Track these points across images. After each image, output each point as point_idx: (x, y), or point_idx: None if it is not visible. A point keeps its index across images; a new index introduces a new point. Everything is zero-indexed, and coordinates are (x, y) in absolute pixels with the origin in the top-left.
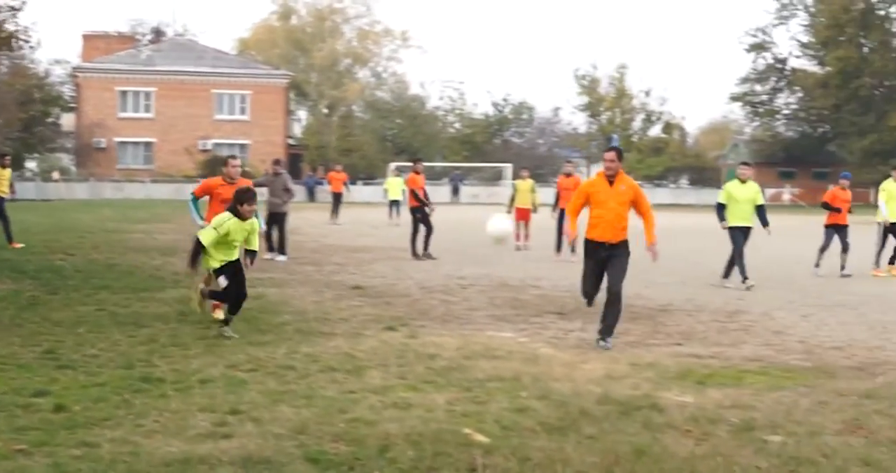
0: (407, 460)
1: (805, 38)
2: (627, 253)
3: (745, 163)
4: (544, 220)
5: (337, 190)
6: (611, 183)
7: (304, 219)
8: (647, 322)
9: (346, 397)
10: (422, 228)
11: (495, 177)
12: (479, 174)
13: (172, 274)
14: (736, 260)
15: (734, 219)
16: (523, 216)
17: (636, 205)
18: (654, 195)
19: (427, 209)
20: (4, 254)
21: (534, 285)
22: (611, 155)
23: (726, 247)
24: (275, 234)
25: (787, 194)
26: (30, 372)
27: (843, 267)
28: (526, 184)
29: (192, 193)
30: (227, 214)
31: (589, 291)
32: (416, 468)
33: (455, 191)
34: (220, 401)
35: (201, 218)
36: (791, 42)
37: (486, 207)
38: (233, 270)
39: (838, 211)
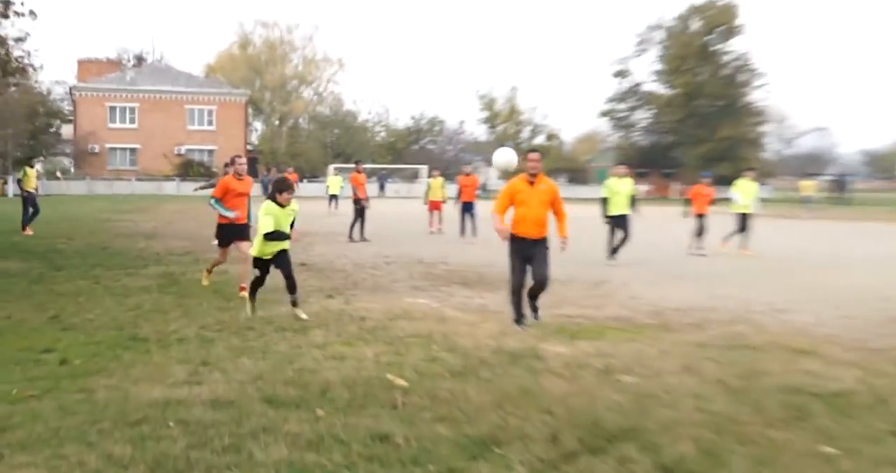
0: (342, 399)
1: (657, 67)
2: (548, 247)
3: (622, 164)
4: (451, 211)
5: None
6: (531, 183)
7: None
8: None
9: (295, 351)
10: (359, 218)
11: (413, 176)
12: (400, 173)
13: (154, 254)
14: (618, 242)
15: (615, 209)
16: (436, 207)
17: (553, 203)
18: None
19: (364, 203)
20: (17, 239)
21: (443, 262)
22: (535, 155)
23: (597, 232)
24: None
25: (641, 189)
26: (39, 334)
27: (699, 248)
28: (437, 181)
29: (213, 196)
30: (268, 204)
31: (518, 284)
32: (349, 406)
33: (381, 188)
34: (193, 355)
35: (227, 210)
36: (646, 70)
37: (407, 200)
38: (284, 258)
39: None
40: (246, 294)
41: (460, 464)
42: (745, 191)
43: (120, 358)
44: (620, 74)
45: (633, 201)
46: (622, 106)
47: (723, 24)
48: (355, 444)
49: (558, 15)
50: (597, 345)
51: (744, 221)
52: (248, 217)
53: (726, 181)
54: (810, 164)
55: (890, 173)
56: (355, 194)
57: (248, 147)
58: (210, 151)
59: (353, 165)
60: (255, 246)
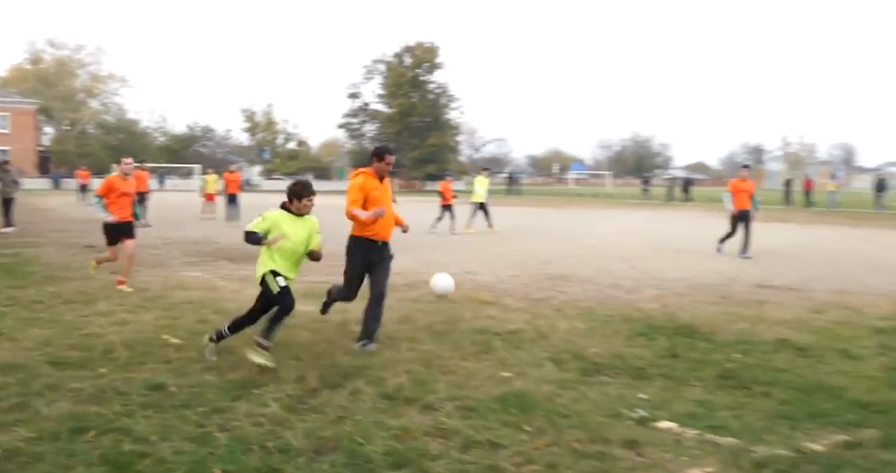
0: (123, 358)
1: (380, 91)
2: (392, 255)
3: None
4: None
5: (84, 180)
6: (381, 180)
7: (55, 201)
8: None
9: (81, 319)
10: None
11: (188, 173)
12: (178, 171)
13: None
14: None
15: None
16: (210, 198)
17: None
18: None
19: (146, 195)
20: None
21: (214, 242)
22: (392, 158)
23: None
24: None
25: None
26: None
27: (452, 229)
28: (212, 177)
29: (96, 194)
30: (276, 210)
31: (350, 297)
32: (129, 363)
33: (161, 182)
34: None
35: (106, 212)
36: (372, 93)
37: (183, 193)
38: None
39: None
40: (125, 288)
41: (224, 404)
42: (481, 185)
43: None
44: (353, 96)
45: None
46: (355, 120)
47: (428, 61)
48: (134, 395)
49: (309, 45)
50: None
51: (482, 207)
52: (136, 215)
53: (435, 178)
54: (493, 166)
55: (548, 172)
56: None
57: (40, 148)
58: (5, 151)
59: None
60: (262, 263)
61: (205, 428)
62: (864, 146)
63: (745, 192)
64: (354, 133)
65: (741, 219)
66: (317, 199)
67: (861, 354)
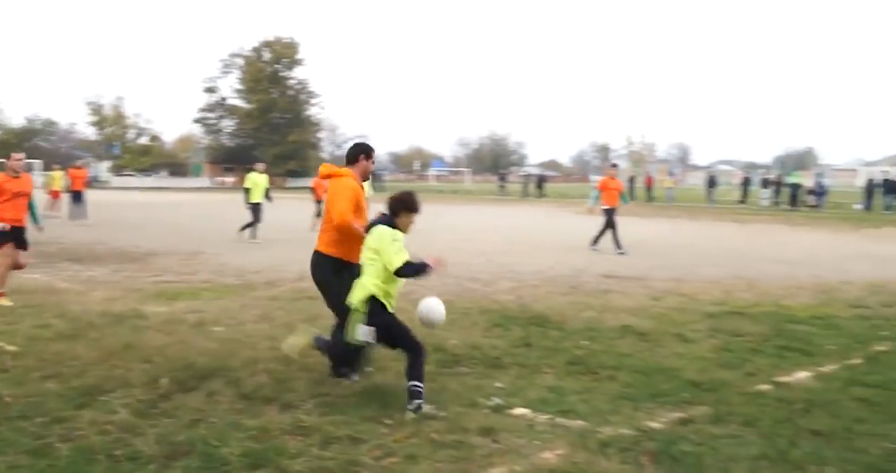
0: None
1: (238, 86)
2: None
3: (261, 163)
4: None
5: None
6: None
7: None
8: (138, 262)
9: None
10: None
11: (28, 170)
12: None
13: None
14: (254, 224)
15: (256, 198)
16: (56, 196)
17: None
18: (144, 182)
19: None
20: None
21: (57, 242)
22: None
23: (196, 212)
24: None
25: (228, 180)
26: None
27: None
28: (57, 174)
29: None
30: (391, 230)
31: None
32: None
33: None
34: None
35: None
36: (230, 88)
37: None
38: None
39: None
40: (5, 301)
41: (67, 413)
42: (258, 184)
43: None
44: (210, 90)
45: (268, 192)
46: (212, 115)
47: (288, 56)
48: None
49: (162, 37)
50: (191, 304)
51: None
52: (35, 218)
53: (296, 174)
54: None
55: (409, 169)
56: None
57: None
58: None
59: None
60: (363, 288)
61: (45, 440)
62: (697, 146)
63: (615, 190)
64: (211, 128)
65: (610, 215)
66: (176, 197)
67: (694, 337)
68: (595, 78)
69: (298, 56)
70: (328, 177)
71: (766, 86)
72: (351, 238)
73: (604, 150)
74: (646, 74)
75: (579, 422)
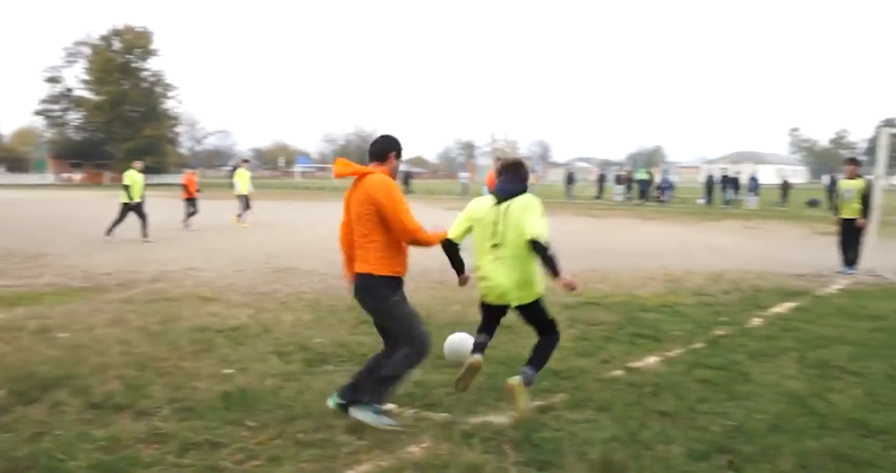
0: None
1: (85, 76)
2: None
3: (138, 161)
4: None
5: None
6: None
7: None
8: None
9: None
10: None
11: None
12: None
13: None
14: (116, 221)
15: (136, 196)
16: None
17: None
18: None
19: None
20: None
21: None
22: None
23: (46, 214)
24: None
25: (75, 177)
26: None
27: (188, 225)
28: None
29: None
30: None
31: (429, 344)
32: None
33: None
34: None
35: None
36: (76, 78)
37: None
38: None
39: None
40: None
41: None
42: (243, 178)
43: None
44: (53, 80)
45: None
46: (56, 107)
47: (140, 46)
48: None
49: None
50: (34, 309)
51: (246, 201)
52: None
53: (153, 171)
54: (216, 158)
55: (274, 165)
56: None
57: None
58: None
59: None
60: (535, 273)
61: None
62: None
63: None
64: (55, 121)
65: None
66: (14, 194)
67: None
68: (461, 76)
69: (153, 46)
70: (359, 176)
71: (620, 87)
72: (404, 251)
73: (469, 147)
74: (509, 73)
75: (444, 414)
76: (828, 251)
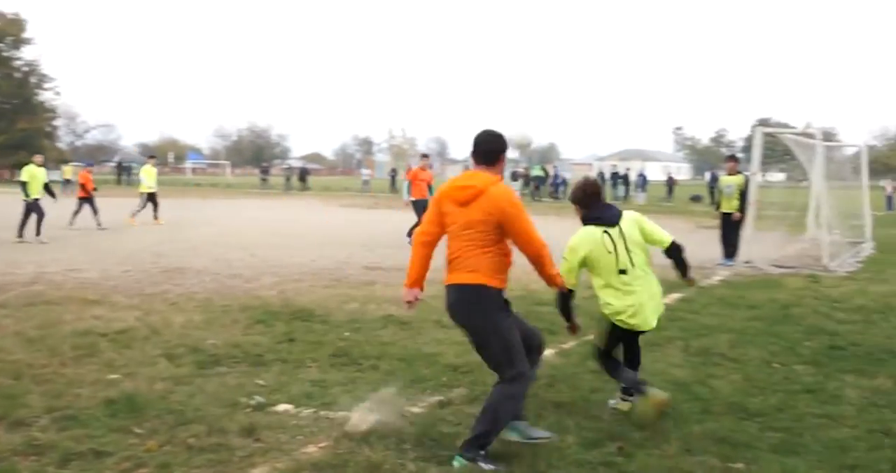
0: None
1: None
2: None
3: (38, 154)
4: None
5: None
6: None
7: None
8: None
9: None
10: None
11: None
12: None
13: None
14: (22, 221)
15: (35, 193)
16: None
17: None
18: None
19: None
20: None
21: None
22: None
23: None
24: None
25: None
26: None
27: (98, 224)
28: None
29: None
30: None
31: (531, 370)
32: None
33: None
34: None
35: None
36: None
37: None
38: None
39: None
40: None
41: None
42: (148, 175)
43: None
44: None
45: (48, 187)
46: None
47: (12, 34)
48: None
49: None
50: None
51: (152, 198)
52: None
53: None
54: (99, 153)
55: (163, 160)
56: None
57: None
58: None
59: None
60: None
61: None
62: (454, 140)
63: (424, 181)
64: None
65: (419, 207)
66: None
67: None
68: (357, 72)
69: (26, 35)
70: (506, 188)
71: (515, 85)
72: (510, 265)
73: (366, 144)
74: (405, 69)
75: (343, 413)
76: (710, 244)
